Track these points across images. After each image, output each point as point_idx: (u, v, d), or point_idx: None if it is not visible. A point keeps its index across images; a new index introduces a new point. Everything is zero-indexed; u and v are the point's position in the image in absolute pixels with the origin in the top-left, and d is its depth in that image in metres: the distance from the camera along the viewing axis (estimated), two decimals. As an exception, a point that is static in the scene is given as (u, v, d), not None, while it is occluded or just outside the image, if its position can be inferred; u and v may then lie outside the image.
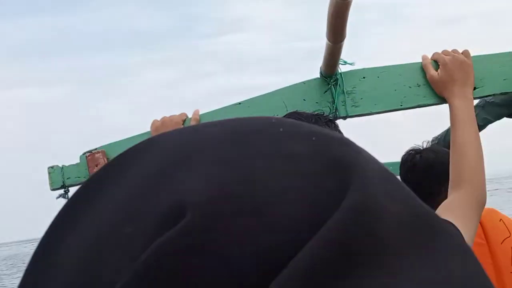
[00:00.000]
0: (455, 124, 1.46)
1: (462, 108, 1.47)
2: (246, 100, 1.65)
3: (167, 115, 1.65)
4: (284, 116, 1.28)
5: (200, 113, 1.66)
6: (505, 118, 1.93)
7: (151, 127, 1.62)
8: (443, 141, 2.53)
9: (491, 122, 1.99)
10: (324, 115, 1.31)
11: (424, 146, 1.88)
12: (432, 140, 2.73)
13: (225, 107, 1.66)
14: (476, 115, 1.99)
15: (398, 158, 1.92)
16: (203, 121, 1.64)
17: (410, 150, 1.86)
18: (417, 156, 1.82)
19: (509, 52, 1.58)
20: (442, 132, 2.57)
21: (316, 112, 1.31)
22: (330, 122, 1.27)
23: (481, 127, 2.04)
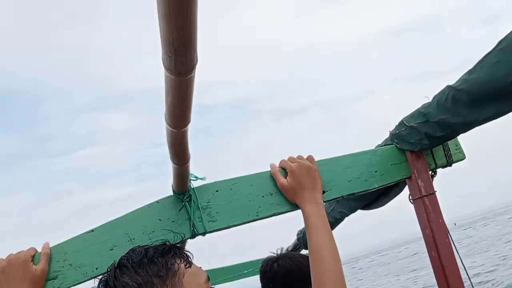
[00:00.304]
0: (309, 229, 1.50)
1: (313, 214, 1.52)
2: (99, 227, 1.58)
3: (19, 248, 1.53)
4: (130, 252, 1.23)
5: (51, 245, 1.56)
6: (359, 210, 2.02)
7: None
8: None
9: (347, 215, 2.08)
10: (172, 244, 1.27)
11: (279, 253, 1.91)
12: (298, 234, 2.81)
13: (78, 236, 1.58)
14: (333, 209, 2.07)
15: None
16: (55, 254, 1.54)
17: (267, 260, 1.88)
18: (275, 264, 1.85)
19: (350, 154, 1.67)
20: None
21: (162, 243, 1.27)
22: (179, 252, 1.24)
23: (338, 220, 2.12)
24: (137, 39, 67.50)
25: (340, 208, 2.04)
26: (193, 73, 0.99)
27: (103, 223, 1.59)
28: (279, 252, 1.90)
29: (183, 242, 1.61)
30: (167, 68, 0.96)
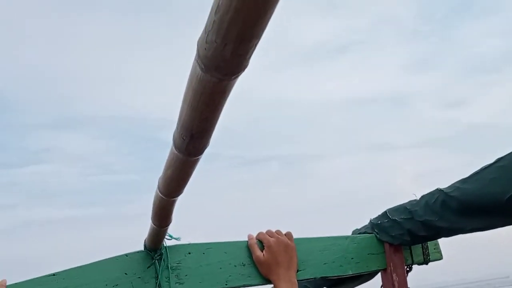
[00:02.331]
0: None
1: None
2: (61, 272, 1.49)
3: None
4: None
5: (8, 283, 1.47)
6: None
7: None
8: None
9: None
10: None
11: None
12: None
13: (37, 278, 1.49)
14: (298, 283, 2.03)
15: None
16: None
17: None
18: None
19: (328, 237, 1.65)
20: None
21: None
22: None
23: None
24: (107, 65, 66.16)
25: (307, 283, 2.00)
26: (202, 155, 0.95)
27: (67, 268, 1.51)
28: None
29: None
30: (177, 148, 0.92)
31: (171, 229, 1.51)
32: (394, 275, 1.61)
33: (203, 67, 0.68)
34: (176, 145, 0.92)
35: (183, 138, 0.88)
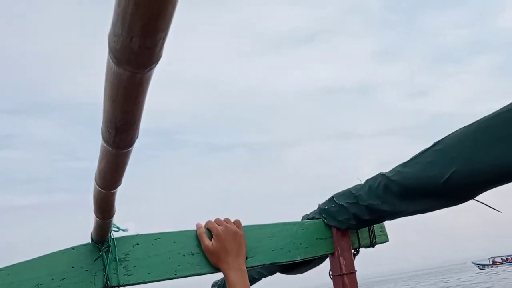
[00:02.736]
0: None
1: (237, 282, 1.51)
2: (5, 268, 1.47)
3: None
4: None
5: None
6: (278, 273, 2.02)
7: None
8: (223, 287, 2.57)
9: (265, 276, 2.07)
10: None
11: None
12: (212, 285, 2.78)
13: None
14: (252, 269, 2.06)
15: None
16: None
17: None
18: None
19: (276, 224, 1.67)
20: (221, 279, 2.61)
21: None
22: None
23: (255, 279, 2.10)
24: (75, 51, 65.37)
25: (260, 269, 2.03)
26: (132, 147, 0.95)
27: (12, 263, 1.49)
28: None
29: None
30: (105, 141, 0.92)
31: (118, 220, 1.51)
32: (341, 258, 1.63)
33: (115, 60, 0.68)
34: (104, 138, 0.92)
35: (109, 131, 0.87)
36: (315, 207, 1.74)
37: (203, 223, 1.61)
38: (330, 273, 1.68)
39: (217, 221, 1.60)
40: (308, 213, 1.77)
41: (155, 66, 0.69)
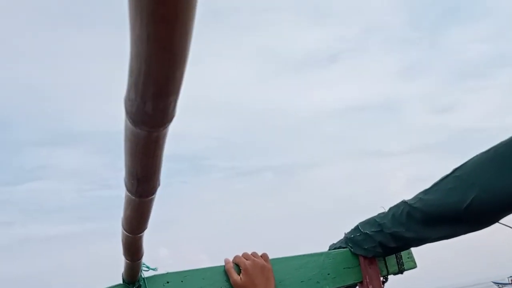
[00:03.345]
0: None
1: None
2: None
3: None
4: None
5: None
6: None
7: None
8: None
9: None
10: None
11: None
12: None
13: None
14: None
15: None
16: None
17: None
18: None
19: (304, 255, 1.68)
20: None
21: None
22: None
23: None
24: (97, 81, 68.22)
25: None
26: (154, 195, 0.99)
27: None
28: None
29: None
30: (129, 191, 0.95)
31: (152, 250, 1.54)
32: (370, 287, 1.63)
33: (131, 121, 0.72)
34: (127, 188, 0.96)
35: (131, 182, 0.91)
36: (342, 236, 1.75)
37: (231, 258, 1.63)
38: (360, 302, 1.68)
39: (245, 255, 1.62)
40: (335, 242, 1.78)
41: (169, 124, 0.73)
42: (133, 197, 0.97)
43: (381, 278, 1.67)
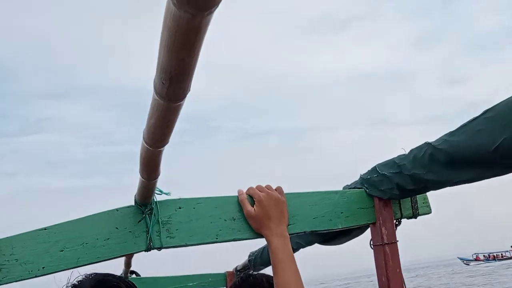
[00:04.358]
0: (275, 263, 1.49)
1: (281, 248, 1.51)
2: (52, 226, 1.51)
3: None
4: None
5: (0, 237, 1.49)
6: (316, 244, 2.02)
7: None
8: (260, 258, 2.58)
9: (303, 246, 2.07)
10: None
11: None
12: (249, 255, 2.79)
13: (29, 232, 1.51)
14: (290, 239, 2.06)
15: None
16: (2, 246, 1.47)
17: (242, 274, 1.89)
18: (246, 279, 1.85)
19: (318, 192, 1.66)
20: (259, 249, 2.63)
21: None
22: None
23: (294, 250, 2.10)
24: (109, 34, 66.67)
25: (298, 239, 2.03)
26: (183, 101, 0.95)
27: (58, 222, 1.53)
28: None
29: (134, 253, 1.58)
30: (158, 93, 0.92)
31: (161, 185, 1.52)
32: (383, 228, 1.62)
33: (176, 2, 0.67)
34: (157, 91, 0.92)
35: (162, 83, 0.88)
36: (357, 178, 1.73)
37: (244, 190, 1.62)
38: (371, 242, 1.67)
39: (259, 187, 1.60)
40: (349, 183, 1.76)
41: (215, 9, 0.69)
42: (162, 101, 0.94)
43: (394, 221, 1.66)
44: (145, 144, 1.17)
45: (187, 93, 0.93)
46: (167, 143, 1.16)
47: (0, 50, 66.72)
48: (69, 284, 1.22)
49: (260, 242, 2.34)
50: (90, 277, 1.22)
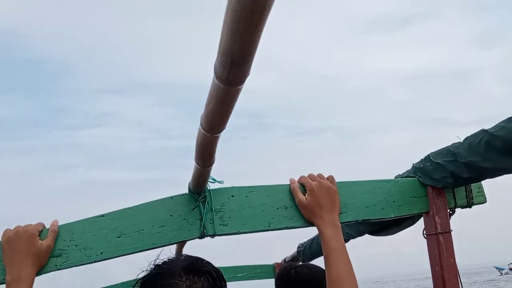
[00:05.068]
0: (327, 253, 1.50)
1: (333, 237, 1.51)
2: (110, 213, 1.56)
3: (21, 224, 1.53)
4: None
5: (60, 223, 1.55)
6: (367, 235, 2.01)
7: (2, 237, 1.49)
8: (309, 249, 2.59)
9: (353, 237, 2.06)
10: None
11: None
12: (298, 247, 2.80)
13: (87, 218, 1.56)
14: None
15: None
16: (62, 232, 1.52)
17: (286, 265, 1.91)
18: (292, 271, 1.88)
19: (371, 181, 1.65)
20: (308, 240, 2.63)
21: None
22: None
23: (344, 240, 2.10)
24: (170, 33, 67.53)
25: (348, 230, 2.02)
26: (242, 85, 0.97)
27: (115, 209, 1.58)
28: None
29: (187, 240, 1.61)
30: (218, 77, 0.94)
31: (214, 173, 1.55)
32: (436, 217, 1.60)
33: (241, -17, 0.69)
34: (217, 74, 0.94)
35: (223, 66, 0.90)
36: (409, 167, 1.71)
37: (296, 179, 1.62)
38: (424, 232, 1.65)
39: (311, 176, 1.61)
40: (401, 172, 1.75)
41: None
42: (221, 85, 0.96)
43: (448, 210, 1.63)
44: (202, 130, 1.20)
45: (246, 77, 0.94)
46: (224, 128, 1.18)
47: (63, 47, 67.94)
48: (160, 260, 1.26)
49: (308, 233, 2.34)
50: (182, 257, 1.25)
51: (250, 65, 0.90)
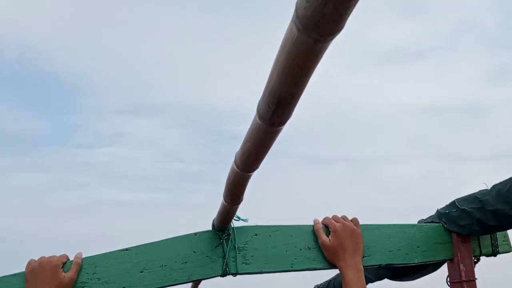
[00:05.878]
0: None
1: (355, 281, 1.50)
2: (134, 247, 1.56)
3: (46, 255, 1.53)
4: None
5: (83, 256, 1.55)
6: (385, 279, 1.98)
7: (26, 267, 1.49)
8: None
9: (372, 281, 2.04)
10: None
11: None
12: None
13: (111, 252, 1.56)
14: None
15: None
16: (86, 265, 1.52)
17: None
18: None
19: (394, 225, 1.65)
20: (324, 283, 2.60)
21: None
22: None
23: None
24: (185, 55, 62.13)
25: (367, 273, 1.99)
26: (283, 126, 0.98)
27: (138, 244, 1.57)
28: None
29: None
30: (261, 117, 0.95)
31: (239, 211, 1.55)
32: (461, 265, 1.59)
33: (300, 27, 0.70)
34: (260, 114, 0.95)
35: (268, 107, 0.90)
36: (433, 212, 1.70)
37: (320, 219, 1.62)
38: (448, 280, 1.63)
39: (335, 217, 1.60)
40: (424, 218, 1.74)
41: (337, 35, 0.71)
42: (263, 125, 0.97)
43: (473, 258, 1.62)
44: (236, 168, 1.20)
45: (289, 118, 0.95)
46: (258, 168, 1.19)
47: (78, 64, 61.78)
48: None
49: (324, 276, 2.32)
50: None
51: (295, 106, 0.91)
